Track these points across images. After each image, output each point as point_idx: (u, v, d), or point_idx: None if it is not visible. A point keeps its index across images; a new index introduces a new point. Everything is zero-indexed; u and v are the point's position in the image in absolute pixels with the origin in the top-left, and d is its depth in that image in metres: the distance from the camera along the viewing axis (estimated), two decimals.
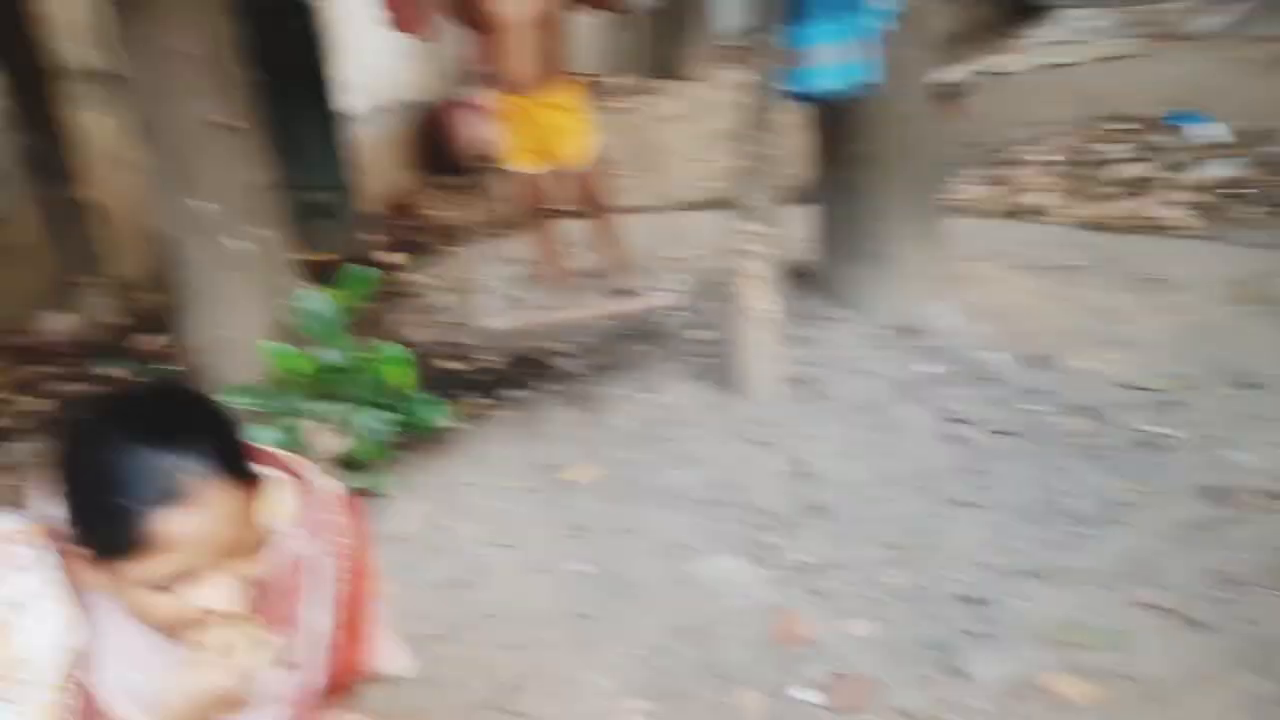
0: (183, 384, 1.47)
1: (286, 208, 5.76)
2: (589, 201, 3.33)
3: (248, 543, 1.26)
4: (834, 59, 2.37)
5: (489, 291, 3.50)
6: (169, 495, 1.19)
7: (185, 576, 1.22)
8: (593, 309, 3.43)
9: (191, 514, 1.20)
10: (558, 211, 3.55)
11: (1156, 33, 8.36)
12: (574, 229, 4.25)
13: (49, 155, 4.67)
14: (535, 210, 3.40)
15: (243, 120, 2.94)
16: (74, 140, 4.68)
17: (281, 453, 1.46)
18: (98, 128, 4.81)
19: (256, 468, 1.30)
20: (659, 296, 3.43)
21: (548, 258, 3.48)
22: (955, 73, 8.03)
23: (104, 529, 1.20)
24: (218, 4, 2.90)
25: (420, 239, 6.71)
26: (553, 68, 3.14)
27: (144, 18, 2.72)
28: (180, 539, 1.20)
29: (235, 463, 1.26)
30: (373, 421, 2.97)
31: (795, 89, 2.44)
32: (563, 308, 3.42)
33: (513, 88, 3.14)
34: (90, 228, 4.77)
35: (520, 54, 3.08)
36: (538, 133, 3.18)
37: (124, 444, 1.20)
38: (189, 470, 1.20)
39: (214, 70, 2.87)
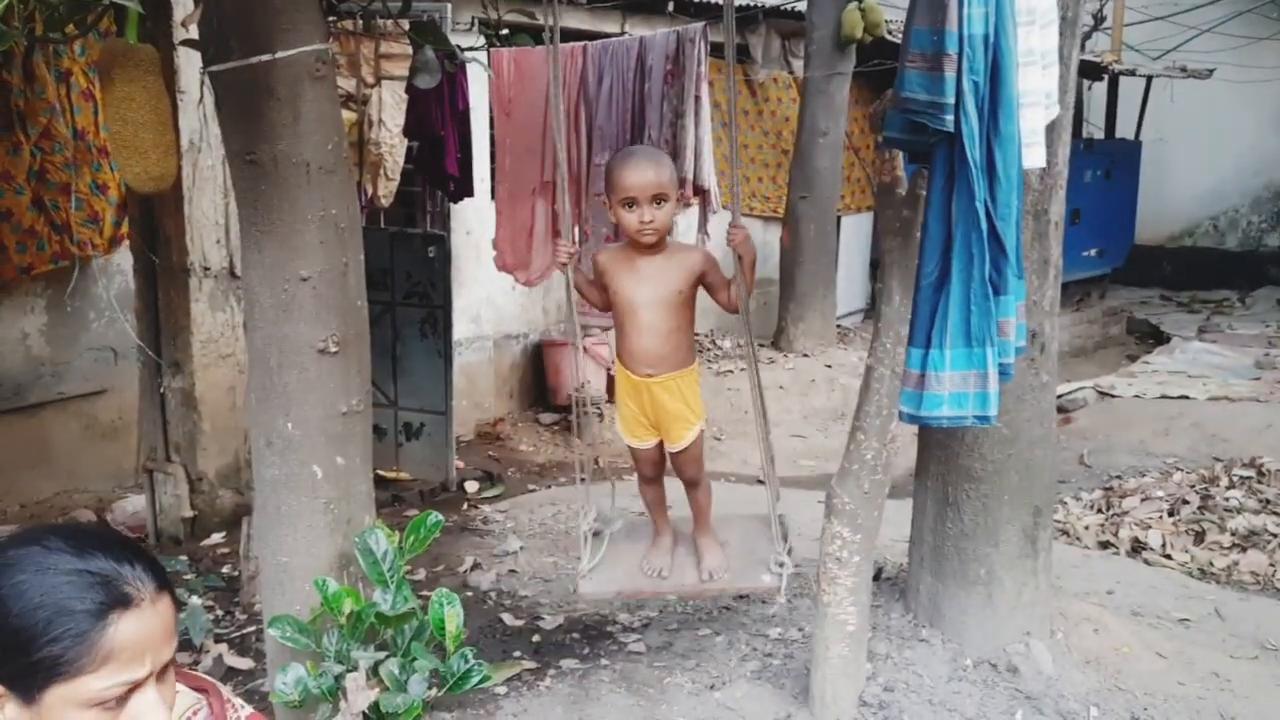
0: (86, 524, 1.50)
1: (386, 425, 5.93)
2: (686, 477, 3.34)
3: (169, 663, 1.25)
4: (954, 387, 2.25)
5: (581, 545, 3.47)
6: (119, 600, 1.18)
7: (127, 692, 1.18)
8: (696, 585, 3.34)
9: (141, 617, 1.19)
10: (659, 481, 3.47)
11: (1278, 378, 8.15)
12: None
13: (158, 340, 4.79)
14: (647, 480, 3.41)
15: (348, 344, 2.91)
16: (184, 329, 4.80)
17: (194, 672, 1.45)
18: (208, 320, 4.95)
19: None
20: (765, 579, 3.33)
21: (658, 528, 3.47)
22: (1066, 387, 7.90)
23: (44, 649, 1.15)
24: (352, 233, 2.93)
25: (502, 471, 6.67)
26: (674, 352, 3.12)
27: (274, 243, 2.76)
28: (131, 644, 1.17)
29: (162, 574, 1.26)
30: (412, 680, 2.78)
31: (909, 411, 2.31)
32: (661, 576, 3.33)
33: (630, 364, 3.13)
34: (180, 416, 4.82)
35: (641, 335, 3.08)
36: (648, 411, 3.18)
37: (57, 560, 1.17)
38: (130, 575, 1.20)
39: (333, 295, 2.86)
